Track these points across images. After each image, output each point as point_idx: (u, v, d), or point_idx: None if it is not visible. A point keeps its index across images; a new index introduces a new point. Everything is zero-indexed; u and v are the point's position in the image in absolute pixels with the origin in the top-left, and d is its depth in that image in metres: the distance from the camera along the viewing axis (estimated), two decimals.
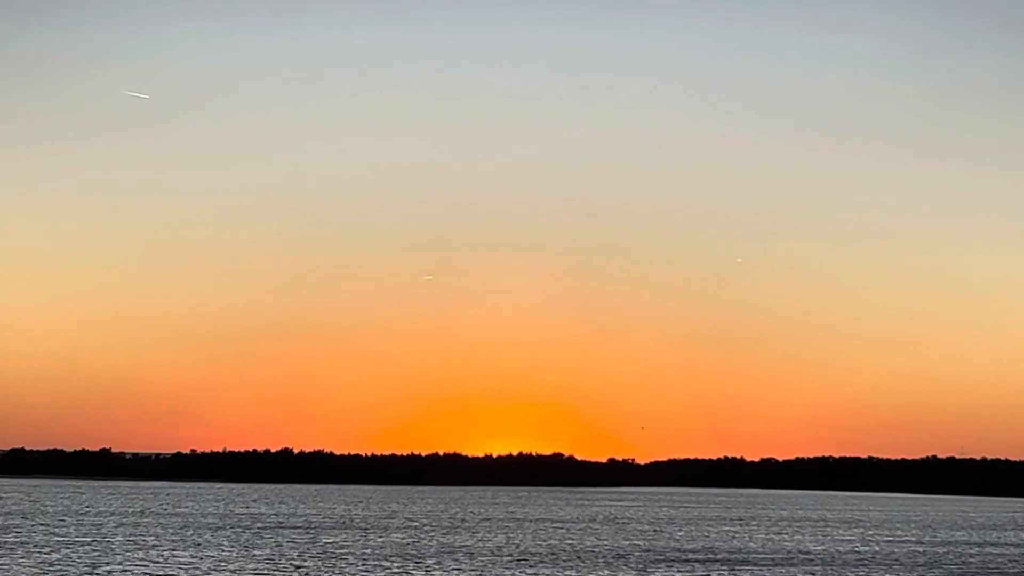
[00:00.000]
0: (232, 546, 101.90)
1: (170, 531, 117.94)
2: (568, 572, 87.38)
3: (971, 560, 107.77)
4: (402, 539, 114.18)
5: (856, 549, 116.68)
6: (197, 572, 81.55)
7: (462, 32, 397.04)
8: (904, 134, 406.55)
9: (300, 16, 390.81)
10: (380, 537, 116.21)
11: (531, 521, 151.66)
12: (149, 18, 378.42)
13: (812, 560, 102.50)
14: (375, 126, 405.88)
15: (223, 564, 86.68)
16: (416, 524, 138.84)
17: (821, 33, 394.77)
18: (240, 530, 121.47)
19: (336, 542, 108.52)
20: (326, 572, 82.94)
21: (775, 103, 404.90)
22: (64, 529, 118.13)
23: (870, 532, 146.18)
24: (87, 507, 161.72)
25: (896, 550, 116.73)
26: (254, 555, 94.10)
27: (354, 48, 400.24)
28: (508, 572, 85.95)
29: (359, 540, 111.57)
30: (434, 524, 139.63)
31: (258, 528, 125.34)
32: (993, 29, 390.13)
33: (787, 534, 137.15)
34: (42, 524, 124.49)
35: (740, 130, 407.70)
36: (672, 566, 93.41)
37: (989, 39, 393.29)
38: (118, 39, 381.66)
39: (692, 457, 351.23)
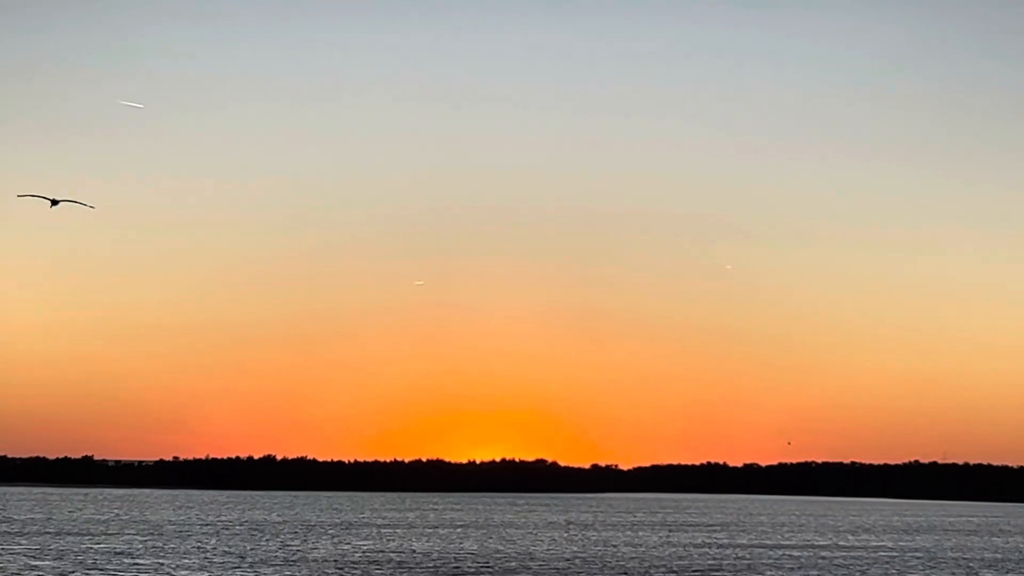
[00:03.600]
0: (197, 553, 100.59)
1: (137, 538, 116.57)
2: None
3: (948, 564, 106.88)
4: (371, 545, 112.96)
5: (834, 554, 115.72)
6: None
7: (455, 39, 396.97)
8: (891, 142, 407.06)
9: (294, 24, 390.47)
10: (346, 544, 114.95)
11: (506, 527, 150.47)
12: (143, 27, 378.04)
13: (785, 565, 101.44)
14: (368, 133, 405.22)
15: (186, 570, 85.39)
16: (388, 530, 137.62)
17: (810, 41, 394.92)
18: (208, 537, 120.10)
19: (304, 547, 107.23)
20: None
21: (765, 112, 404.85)
22: (29, 538, 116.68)
23: (850, 537, 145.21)
24: (57, 515, 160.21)
25: (876, 555, 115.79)
26: (216, 561, 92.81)
27: (348, 55, 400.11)
28: None
29: (327, 545, 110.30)
30: (406, 530, 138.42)
31: (228, 534, 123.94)
32: (981, 34, 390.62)
33: (766, 538, 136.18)
34: (7, 533, 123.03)
35: (729, 138, 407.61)
36: (636, 570, 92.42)
37: (978, 44, 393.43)
38: (112, 48, 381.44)
39: (675, 463, 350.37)
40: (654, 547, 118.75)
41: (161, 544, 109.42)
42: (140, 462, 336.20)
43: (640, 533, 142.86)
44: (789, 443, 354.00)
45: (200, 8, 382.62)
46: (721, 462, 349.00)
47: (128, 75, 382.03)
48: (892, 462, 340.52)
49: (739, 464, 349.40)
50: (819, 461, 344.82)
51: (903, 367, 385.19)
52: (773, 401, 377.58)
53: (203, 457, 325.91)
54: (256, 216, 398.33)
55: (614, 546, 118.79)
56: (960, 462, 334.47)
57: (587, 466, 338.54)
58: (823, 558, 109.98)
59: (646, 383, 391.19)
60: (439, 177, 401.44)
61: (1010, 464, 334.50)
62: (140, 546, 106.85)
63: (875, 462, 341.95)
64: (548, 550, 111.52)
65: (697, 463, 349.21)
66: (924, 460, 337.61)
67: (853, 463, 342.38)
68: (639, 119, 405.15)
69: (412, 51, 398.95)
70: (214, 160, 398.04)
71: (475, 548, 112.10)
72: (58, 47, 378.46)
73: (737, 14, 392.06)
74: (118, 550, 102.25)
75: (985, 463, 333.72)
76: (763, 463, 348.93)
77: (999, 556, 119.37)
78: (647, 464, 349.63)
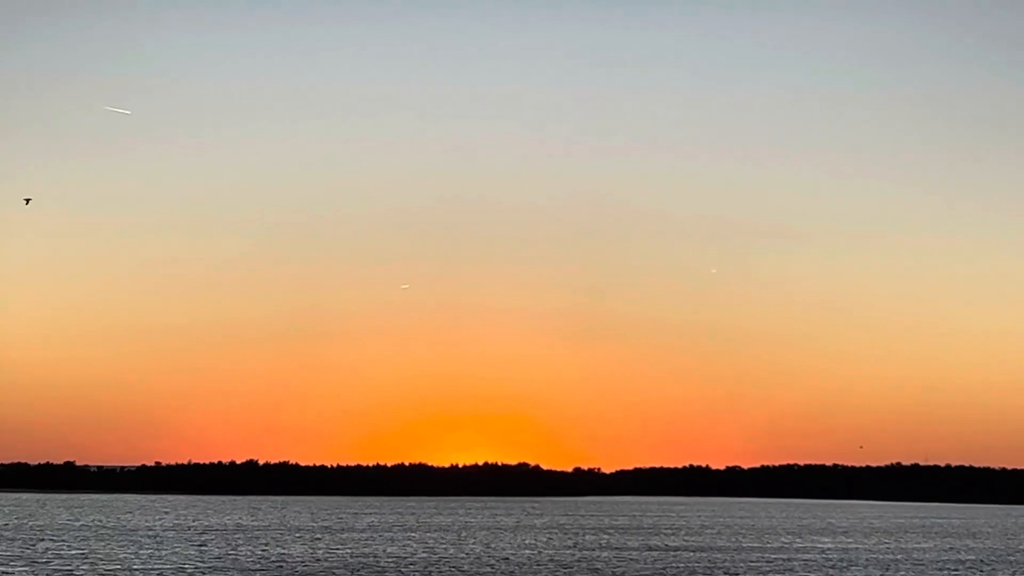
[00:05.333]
0: (172, 558, 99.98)
1: (105, 544, 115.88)
2: None
3: (927, 565, 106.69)
4: (342, 550, 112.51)
5: (812, 556, 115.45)
6: None
7: (449, 41, 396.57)
8: (876, 148, 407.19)
9: (282, 29, 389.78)
10: (322, 548, 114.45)
11: (485, 530, 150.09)
12: (130, 33, 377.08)
13: (762, 569, 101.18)
14: (355, 135, 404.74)
15: (149, 572, 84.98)
16: (367, 534, 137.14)
17: (799, 47, 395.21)
18: (183, 542, 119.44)
19: (280, 552, 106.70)
20: None
21: (751, 116, 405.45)
22: (3, 544, 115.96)
23: (828, 539, 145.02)
24: (33, 521, 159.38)
25: (854, 557, 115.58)
26: (189, 567, 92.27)
27: (339, 58, 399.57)
28: None
29: (302, 550, 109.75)
30: (385, 533, 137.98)
31: (204, 539, 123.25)
32: (977, 37, 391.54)
33: (745, 542, 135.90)
34: None
35: (715, 142, 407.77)
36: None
37: (964, 49, 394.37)
38: (99, 54, 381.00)
39: (658, 466, 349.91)
40: (633, 550, 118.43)
41: (136, 550, 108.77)
42: (122, 467, 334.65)
43: (619, 537, 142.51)
44: (861, 447, 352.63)
45: (188, 14, 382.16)
46: (704, 465, 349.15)
47: (115, 82, 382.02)
48: (874, 464, 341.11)
49: (721, 467, 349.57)
50: (801, 463, 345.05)
51: (885, 369, 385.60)
52: (755, 404, 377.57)
53: (185, 462, 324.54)
54: (240, 220, 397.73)
55: (591, 549, 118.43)
56: (942, 464, 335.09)
57: (569, 469, 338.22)
58: (801, 561, 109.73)
59: (628, 386, 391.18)
60: (423, 180, 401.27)
61: (992, 466, 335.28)
62: (115, 551, 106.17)
63: (857, 464, 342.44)
64: (525, 554, 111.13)
65: (680, 466, 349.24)
66: (906, 462, 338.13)
67: (835, 465, 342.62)
68: (625, 123, 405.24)
69: (405, 53, 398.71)
70: (200, 164, 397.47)
71: (452, 551, 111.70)
72: (45, 54, 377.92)
73: (729, 20, 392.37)
74: (91, 555, 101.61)
75: (967, 465, 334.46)
76: (745, 466, 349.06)
77: (978, 558, 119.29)
78: (630, 467, 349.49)
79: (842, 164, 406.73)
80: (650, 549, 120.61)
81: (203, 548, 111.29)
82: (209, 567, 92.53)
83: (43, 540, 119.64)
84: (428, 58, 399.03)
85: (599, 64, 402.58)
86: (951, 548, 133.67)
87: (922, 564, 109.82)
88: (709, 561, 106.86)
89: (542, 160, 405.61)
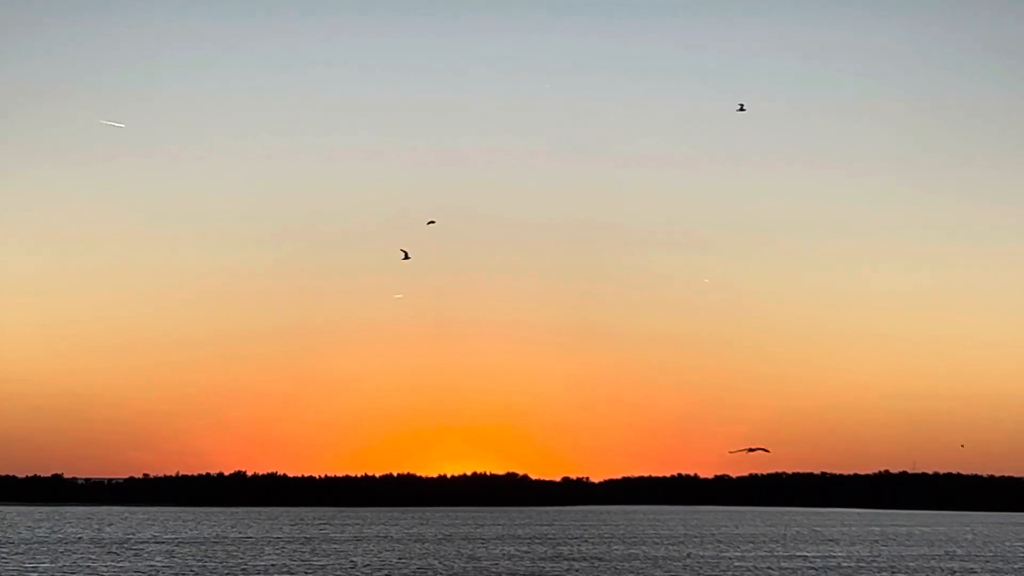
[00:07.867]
0: (148, 571, 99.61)
1: (91, 556, 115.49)
2: None
3: (910, 572, 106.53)
4: (321, 561, 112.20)
5: (795, 565, 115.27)
6: None
7: (444, 51, 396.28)
8: (863, 157, 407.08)
9: (275, 41, 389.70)
10: (294, 559, 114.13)
11: (468, 540, 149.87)
12: (125, 47, 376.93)
13: None
14: (351, 148, 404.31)
15: None
16: (348, 545, 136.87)
17: (787, 58, 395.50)
18: (160, 554, 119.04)
19: (254, 563, 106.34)
20: None
21: (741, 128, 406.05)
22: None
23: (815, 548, 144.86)
24: (12, 534, 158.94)
25: (839, 565, 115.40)
26: None
27: (332, 71, 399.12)
28: None
29: (275, 560, 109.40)
30: (368, 544, 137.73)
31: (181, 551, 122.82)
32: (975, 46, 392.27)
33: (728, 551, 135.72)
34: None
35: (706, 154, 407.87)
36: None
37: (968, 57, 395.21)
38: (93, 68, 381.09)
39: (646, 475, 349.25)
40: (617, 560, 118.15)
41: (111, 562, 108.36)
42: (110, 480, 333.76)
43: (602, 546, 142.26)
44: (962, 446, 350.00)
45: (183, 28, 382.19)
46: (692, 474, 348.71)
47: (110, 95, 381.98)
48: (862, 472, 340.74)
49: (710, 476, 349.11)
50: (789, 472, 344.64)
51: (873, 377, 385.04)
52: (744, 412, 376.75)
53: (173, 474, 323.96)
54: (228, 233, 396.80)
55: (569, 559, 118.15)
56: (930, 471, 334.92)
57: (558, 479, 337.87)
58: (786, 568, 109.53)
59: (617, 395, 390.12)
60: (416, 191, 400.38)
61: (980, 473, 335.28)
62: (92, 563, 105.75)
63: (845, 472, 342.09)
64: (505, 564, 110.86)
65: (668, 475, 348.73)
66: (894, 470, 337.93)
67: (823, 473, 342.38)
68: (618, 135, 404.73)
69: (399, 64, 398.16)
70: (192, 178, 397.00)
71: (434, 562, 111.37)
72: (40, 67, 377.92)
73: (724, 32, 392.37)
74: (67, 568, 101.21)
75: (955, 472, 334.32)
76: (734, 474, 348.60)
77: (964, 565, 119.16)
78: (618, 476, 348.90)
79: (834, 174, 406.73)
80: (635, 558, 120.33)
81: (178, 560, 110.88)
82: None
83: (19, 553, 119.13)
84: (424, 69, 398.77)
85: (593, 76, 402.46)
86: (938, 555, 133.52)
87: (908, 571, 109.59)
88: (695, 570, 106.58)
89: (534, 172, 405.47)
